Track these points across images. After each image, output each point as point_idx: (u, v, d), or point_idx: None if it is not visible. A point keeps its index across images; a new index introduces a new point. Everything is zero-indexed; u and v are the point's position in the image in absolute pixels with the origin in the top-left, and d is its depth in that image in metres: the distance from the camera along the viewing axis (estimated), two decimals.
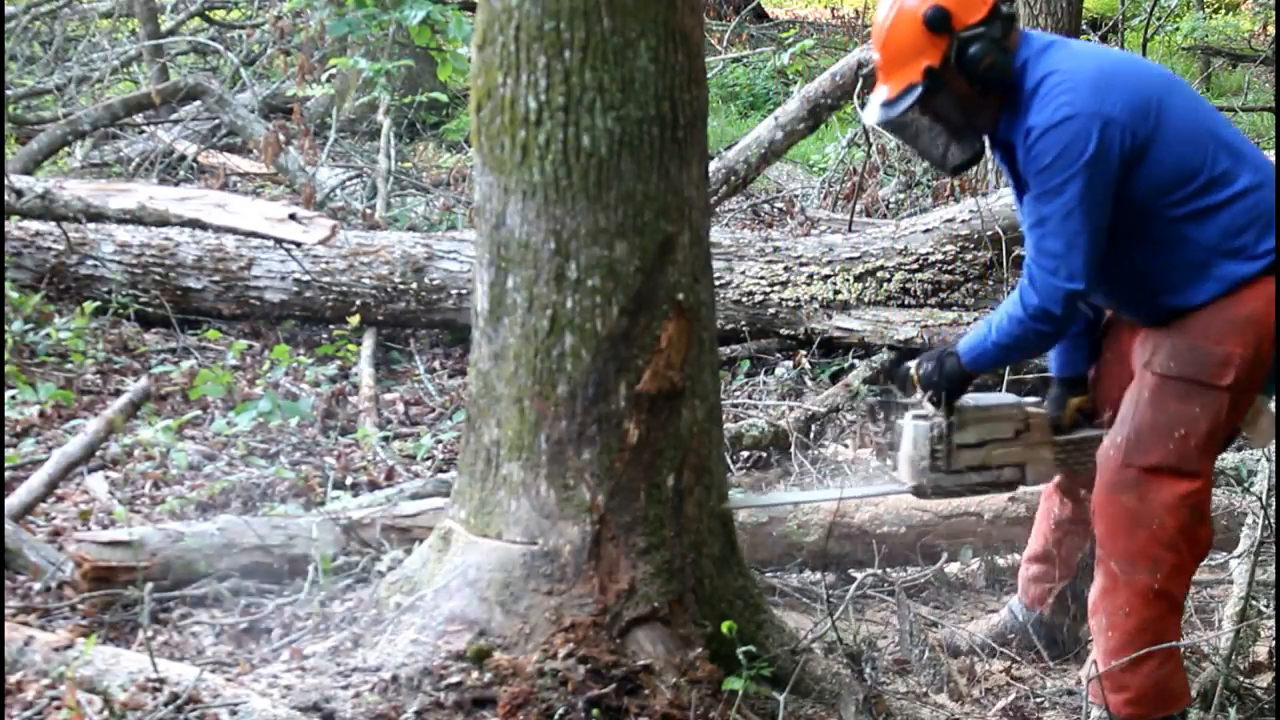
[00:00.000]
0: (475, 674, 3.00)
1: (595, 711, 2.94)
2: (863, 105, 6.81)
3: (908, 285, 6.06)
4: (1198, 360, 3.22)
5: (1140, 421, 3.26)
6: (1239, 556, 3.89)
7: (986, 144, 3.40)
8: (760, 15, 14.09)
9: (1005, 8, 3.28)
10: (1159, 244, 3.22)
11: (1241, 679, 3.58)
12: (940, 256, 6.05)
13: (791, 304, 6.10)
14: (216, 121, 9.16)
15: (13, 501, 3.86)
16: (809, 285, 6.09)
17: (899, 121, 3.34)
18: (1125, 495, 3.26)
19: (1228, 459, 5.03)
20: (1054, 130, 3.13)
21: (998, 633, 3.84)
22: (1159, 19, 11.11)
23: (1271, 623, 3.82)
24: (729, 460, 4.97)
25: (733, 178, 6.86)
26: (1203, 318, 3.23)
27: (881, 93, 3.32)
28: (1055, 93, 3.15)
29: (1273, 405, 3.42)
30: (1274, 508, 3.83)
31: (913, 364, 3.44)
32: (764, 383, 5.99)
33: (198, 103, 9.08)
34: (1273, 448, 4.82)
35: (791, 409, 5.58)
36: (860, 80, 6.80)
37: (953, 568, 4.30)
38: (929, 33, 3.22)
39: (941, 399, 3.37)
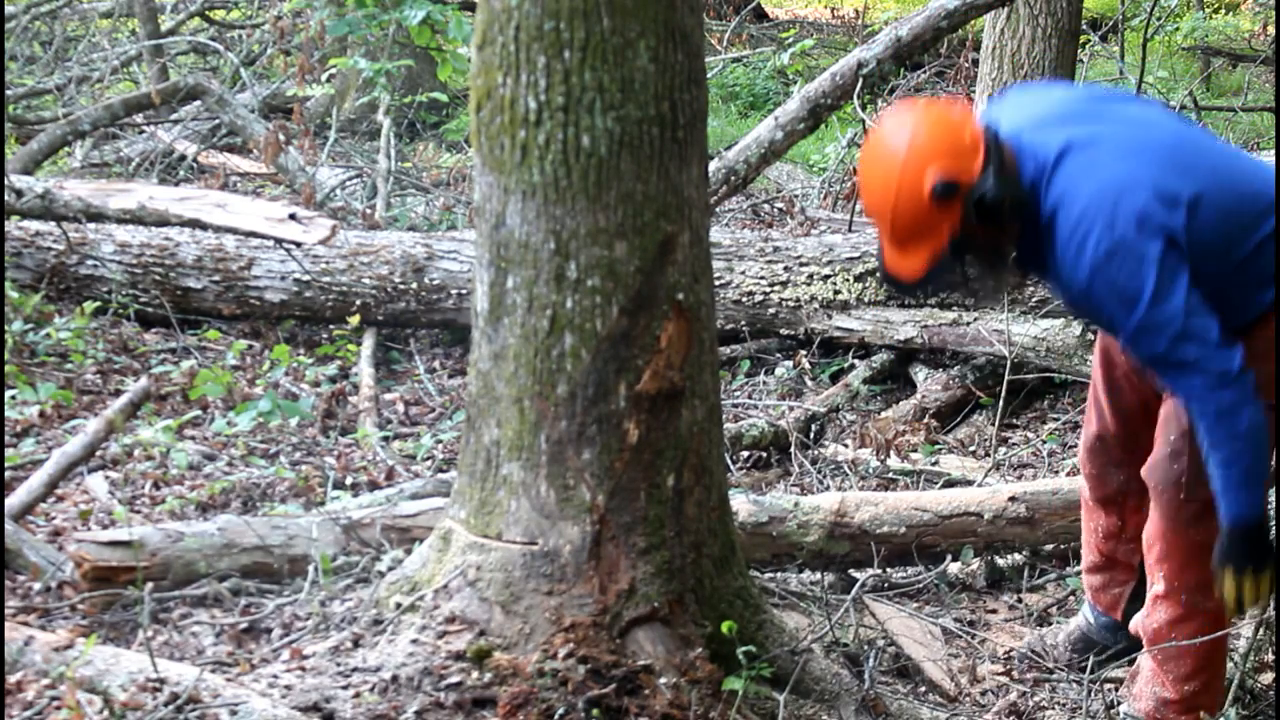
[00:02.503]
0: (475, 674, 3.00)
1: (595, 711, 2.94)
2: (863, 106, 6.81)
3: None
4: None
5: (1196, 454, 3.15)
6: None
7: None
8: (760, 15, 14.08)
9: (990, 129, 3.07)
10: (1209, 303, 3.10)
11: (1255, 680, 3.58)
12: None
13: (791, 304, 6.10)
14: (216, 121, 9.16)
15: (13, 501, 3.86)
16: (809, 285, 6.09)
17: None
18: (1193, 529, 3.22)
19: None
20: (1105, 272, 2.95)
21: (1078, 638, 3.76)
22: (1159, 19, 11.10)
23: None
24: (729, 460, 4.97)
25: (733, 178, 6.86)
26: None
27: (902, 262, 3.08)
28: (1081, 233, 2.96)
29: None
30: (1274, 508, 3.83)
31: (1227, 575, 3.12)
32: (764, 383, 5.99)
33: (198, 103, 9.08)
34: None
35: (791, 409, 5.58)
36: (860, 80, 6.80)
37: (953, 568, 4.30)
38: (940, 208, 3.00)
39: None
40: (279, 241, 6.00)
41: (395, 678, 3.00)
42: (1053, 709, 3.58)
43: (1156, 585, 3.33)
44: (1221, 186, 3.07)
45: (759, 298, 6.13)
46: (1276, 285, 3.11)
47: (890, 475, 5.07)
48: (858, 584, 3.86)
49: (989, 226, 3.04)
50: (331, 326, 6.19)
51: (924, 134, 3.02)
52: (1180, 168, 3.04)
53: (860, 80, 6.79)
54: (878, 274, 3.15)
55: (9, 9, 10.38)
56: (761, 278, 6.14)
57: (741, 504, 4.00)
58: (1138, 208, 2.95)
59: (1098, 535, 3.67)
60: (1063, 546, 4.29)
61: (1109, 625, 3.74)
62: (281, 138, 7.83)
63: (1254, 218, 3.10)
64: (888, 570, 4.23)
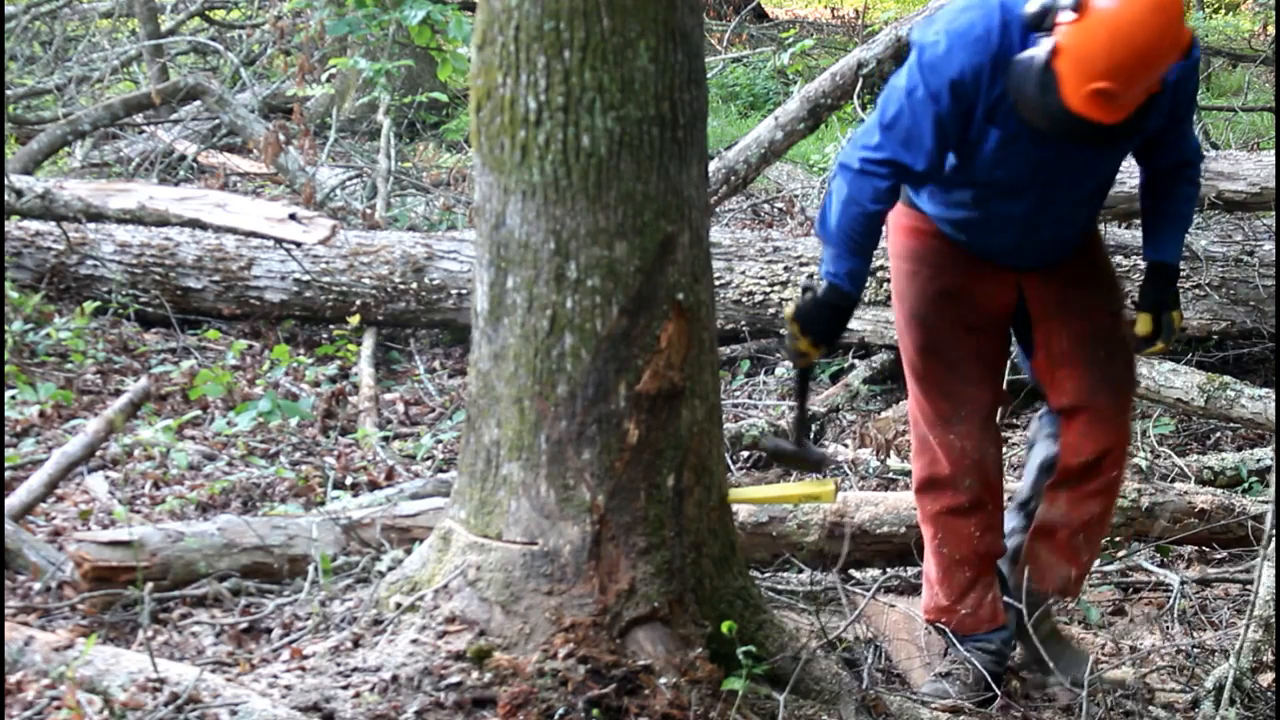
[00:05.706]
0: (475, 674, 3.00)
1: (595, 711, 2.94)
2: (863, 106, 6.81)
3: None
4: (1116, 281, 3.57)
5: (1131, 357, 3.51)
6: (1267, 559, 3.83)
7: None
8: (760, 15, 14.08)
9: None
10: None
11: (1254, 680, 3.57)
12: None
13: None
14: (216, 121, 9.16)
15: (13, 501, 3.86)
16: None
17: None
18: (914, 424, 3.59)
19: (1227, 459, 5.03)
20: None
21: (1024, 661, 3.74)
22: None
23: None
24: (729, 460, 4.97)
25: (733, 178, 6.86)
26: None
27: (1116, 110, 3.10)
28: None
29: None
30: (1274, 507, 3.82)
31: (795, 325, 3.41)
32: (764, 383, 5.99)
33: (198, 103, 9.08)
34: (1272, 448, 4.83)
35: (791, 409, 5.57)
36: (860, 80, 6.79)
37: None
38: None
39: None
40: (279, 241, 6.01)
41: (395, 678, 3.00)
42: (1051, 709, 3.58)
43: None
44: None
45: (759, 298, 6.13)
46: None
47: (890, 475, 5.06)
48: (877, 583, 3.87)
49: None
50: (331, 326, 6.20)
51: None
52: None
53: (860, 80, 6.78)
54: (1063, 126, 3.12)
55: (9, 9, 10.38)
56: (761, 278, 6.14)
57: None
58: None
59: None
60: None
61: (1004, 636, 3.62)
62: (281, 138, 7.84)
63: None
64: (887, 570, 4.23)
